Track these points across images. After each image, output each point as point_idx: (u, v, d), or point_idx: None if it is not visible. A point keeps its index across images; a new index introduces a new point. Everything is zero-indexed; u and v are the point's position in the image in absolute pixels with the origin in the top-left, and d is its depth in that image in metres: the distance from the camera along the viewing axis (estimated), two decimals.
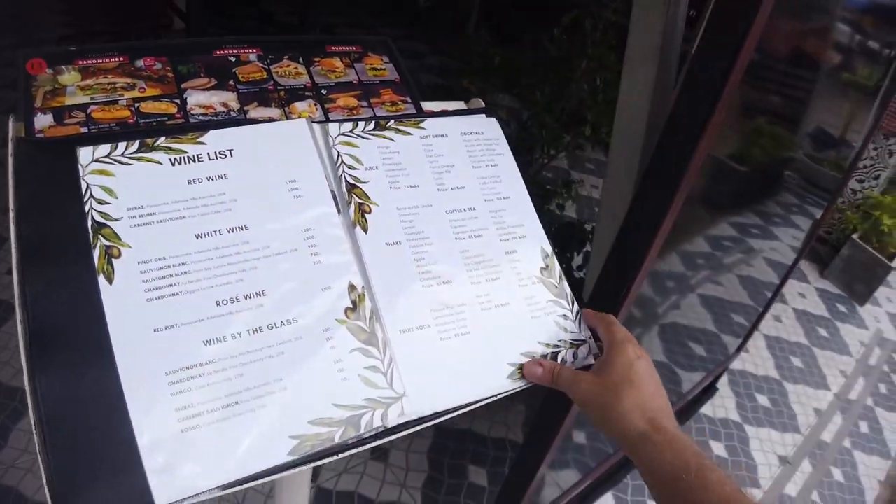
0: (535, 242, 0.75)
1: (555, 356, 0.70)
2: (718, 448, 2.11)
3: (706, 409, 2.23)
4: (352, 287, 0.63)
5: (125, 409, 0.51)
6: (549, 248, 0.76)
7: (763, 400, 2.33)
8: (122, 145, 0.62)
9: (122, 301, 0.55)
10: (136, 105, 0.68)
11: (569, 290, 0.74)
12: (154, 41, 0.71)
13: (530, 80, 2.08)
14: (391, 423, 0.59)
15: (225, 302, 0.58)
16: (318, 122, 0.71)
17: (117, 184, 0.60)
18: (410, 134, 0.74)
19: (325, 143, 0.70)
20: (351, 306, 0.62)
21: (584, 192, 3.07)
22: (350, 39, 0.83)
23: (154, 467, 0.50)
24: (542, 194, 1.98)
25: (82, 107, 0.66)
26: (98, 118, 0.66)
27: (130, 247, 0.57)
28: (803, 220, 2.26)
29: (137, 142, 0.62)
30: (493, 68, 2.08)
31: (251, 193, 0.64)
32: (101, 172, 0.60)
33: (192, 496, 0.51)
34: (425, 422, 0.61)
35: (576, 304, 0.74)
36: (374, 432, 0.58)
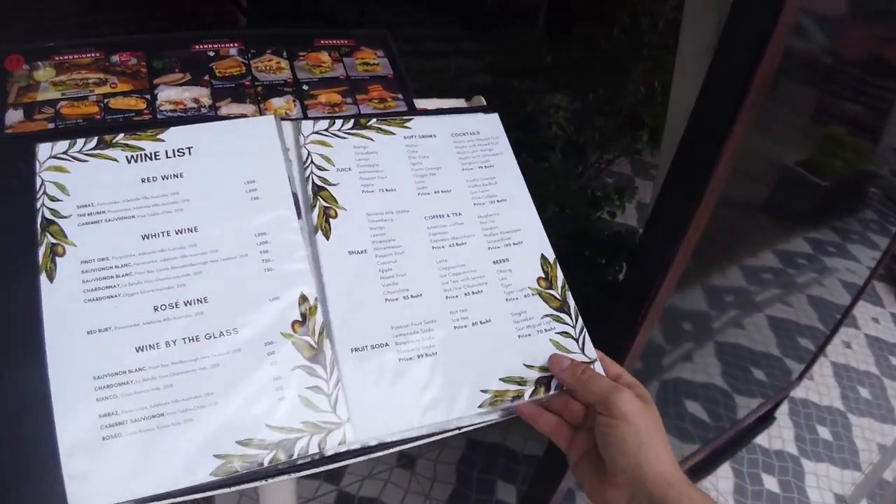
0: (533, 250, 0.68)
1: (545, 381, 0.62)
2: (771, 482, 1.96)
3: (761, 440, 2.08)
4: (303, 298, 0.58)
5: (51, 411, 0.50)
6: (551, 256, 0.68)
7: (824, 432, 2.16)
8: (80, 142, 0.60)
9: (60, 300, 0.53)
10: (106, 101, 0.66)
11: (573, 303, 0.66)
12: (131, 36, 0.69)
13: (583, 81, 2.00)
14: (329, 451, 0.54)
15: (163, 307, 0.55)
16: (292, 120, 0.67)
17: (71, 181, 0.58)
18: (393, 134, 0.69)
19: (295, 142, 0.66)
20: (300, 319, 0.57)
21: (647, 199, 2.95)
22: (343, 33, 0.78)
23: (72, 474, 0.48)
24: (592, 202, 1.89)
25: (52, 102, 0.65)
26: (66, 114, 0.64)
27: (75, 245, 0.56)
28: (881, 239, 2.09)
29: (96, 138, 0.61)
30: (544, 68, 2.01)
31: (206, 194, 0.60)
32: (57, 169, 0.59)
33: None
34: (371, 452, 0.56)
35: (580, 320, 0.66)
36: (308, 459, 0.53)
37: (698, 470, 1.86)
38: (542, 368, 0.62)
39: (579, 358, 0.63)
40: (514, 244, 0.68)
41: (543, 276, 0.67)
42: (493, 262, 0.66)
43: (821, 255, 2.30)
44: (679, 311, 1.50)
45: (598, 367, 0.63)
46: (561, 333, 0.64)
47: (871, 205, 2.25)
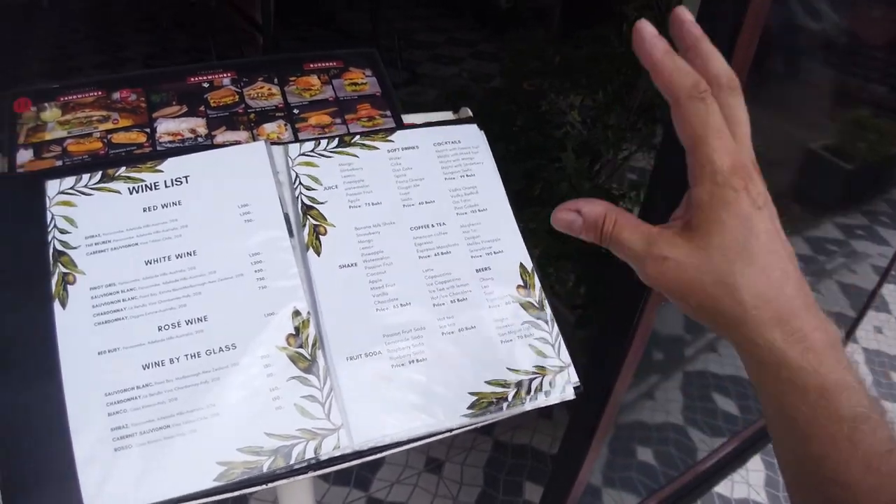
0: (513, 258, 0.71)
1: (527, 384, 0.64)
2: None
3: None
4: (296, 313, 0.62)
5: (67, 426, 0.54)
6: (529, 264, 0.71)
7: None
8: (85, 177, 0.64)
9: (72, 324, 0.58)
10: (109, 136, 0.70)
11: (549, 311, 0.69)
12: (128, 73, 0.73)
13: (592, 79, 2.00)
14: (324, 456, 0.57)
15: (167, 327, 0.59)
16: (281, 144, 0.71)
17: (78, 213, 0.63)
18: (377, 148, 0.72)
19: (284, 165, 0.69)
20: (293, 333, 0.61)
21: None
22: (330, 55, 0.82)
23: (88, 483, 0.52)
24: (608, 199, 1.90)
25: (59, 141, 0.69)
26: (72, 151, 0.69)
27: (85, 273, 0.60)
28: None
29: (100, 173, 0.65)
30: (552, 68, 2.02)
31: (202, 219, 0.64)
32: (66, 203, 0.63)
33: None
34: (365, 455, 0.59)
35: (555, 327, 0.68)
36: (305, 464, 0.57)
37: (728, 462, 1.85)
38: (525, 372, 0.65)
39: (554, 363, 0.66)
40: (494, 253, 0.70)
41: (522, 283, 0.69)
42: (476, 271, 0.69)
43: (850, 238, 2.27)
44: None
45: (571, 374, 0.66)
46: (539, 339, 0.67)
47: None
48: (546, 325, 0.68)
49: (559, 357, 0.67)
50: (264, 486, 0.56)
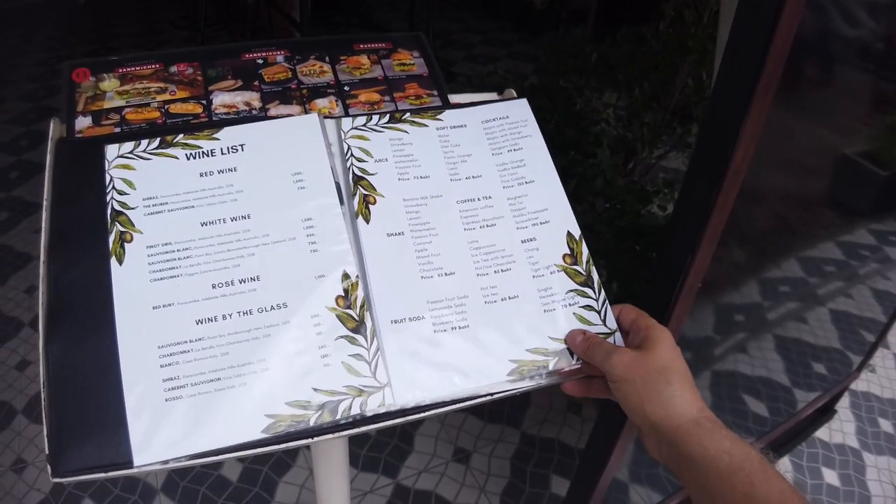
0: (560, 228, 0.71)
1: (570, 353, 0.65)
2: (830, 476, 1.92)
3: (822, 433, 2.04)
4: (345, 276, 0.64)
5: (119, 376, 0.56)
6: (576, 232, 0.71)
7: (886, 425, 2.09)
8: (144, 142, 0.67)
9: (128, 280, 0.60)
10: (166, 107, 0.73)
11: (596, 278, 0.70)
12: (185, 49, 0.76)
13: (629, 77, 2.01)
14: (370, 412, 0.59)
15: (220, 285, 0.61)
16: (334, 118, 0.73)
17: (137, 177, 0.66)
18: (426, 126, 0.74)
19: (337, 137, 0.71)
20: (342, 294, 0.63)
21: None
22: (380, 37, 0.84)
23: (137, 430, 0.55)
24: (642, 196, 1.90)
25: (118, 109, 0.72)
26: (131, 119, 0.72)
27: (142, 232, 0.63)
28: None
29: (158, 139, 0.68)
30: (589, 66, 2.03)
31: (257, 185, 0.67)
32: (124, 167, 0.66)
33: (166, 460, 0.54)
34: (408, 414, 0.61)
35: (602, 294, 0.69)
36: (350, 419, 0.58)
37: None
38: (564, 340, 0.66)
39: (600, 330, 0.66)
40: (541, 223, 0.71)
41: (569, 252, 0.70)
42: (521, 242, 0.70)
43: (883, 245, 2.25)
44: (733, 305, 1.50)
45: (617, 338, 0.66)
46: (584, 307, 0.68)
47: None
48: (593, 292, 0.69)
49: (605, 324, 0.67)
50: (309, 440, 0.57)
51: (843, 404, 2.14)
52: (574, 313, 0.67)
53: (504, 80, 2.09)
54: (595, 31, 4.09)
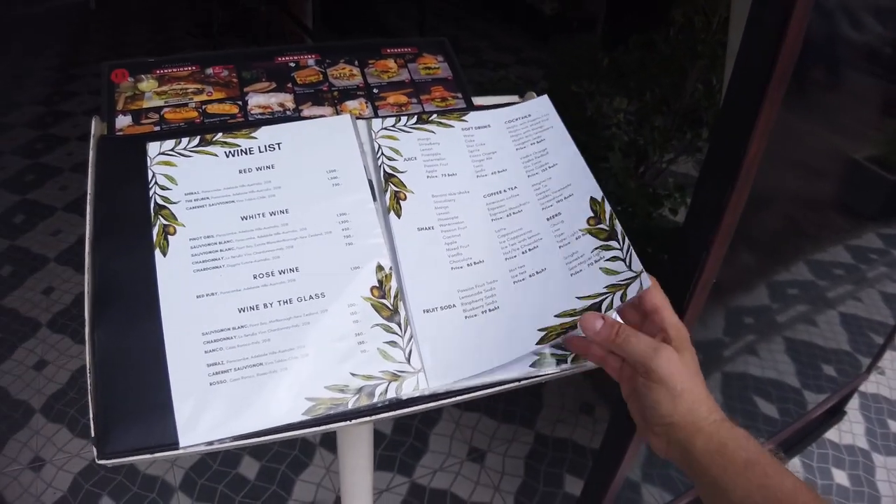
0: (583, 197, 0.73)
1: (598, 306, 0.66)
2: (840, 476, 1.93)
3: (831, 435, 2.05)
4: (379, 267, 0.67)
5: (164, 361, 0.59)
6: (599, 195, 0.72)
7: (895, 427, 2.12)
8: (184, 140, 0.70)
9: (172, 270, 0.63)
10: (203, 107, 0.76)
11: (619, 229, 0.70)
12: (221, 52, 0.79)
13: (639, 82, 2.04)
14: (405, 396, 0.62)
15: (261, 275, 0.64)
16: (364, 118, 0.76)
17: (178, 173, 0.69)
18: (452, 126, 0.77)
19: (368, 137, 0.75)
20: (377, 285, 0.66)
21: None
22: (405, 42, 0.88)
23: (182, 413, 0.57)
24: (653, 199, 1.93)
25: (157, 109, 0.75)
26: (169, 118, 0.75)
27: (184, 226, 0.66)
28: None
29: (198, 137, 0.71)
30: (601, 71, 2.06)
31: (294, 181, 0.70)
32: (166, 163, 0.69)
33: (211, 441, 0.57)
34: (441, 399, 0.63)
35: (626, 240, 0.69)
36: (387, 402, 0.61)
37: None
38: (594, 296, 0.67)
39: (626, 275, 0.66)
40: (565, 199, 0.73)
41: (593, 214, 0.71)
42: (547, 219, 0.73)
43: (892, 248, 2.26)
44: (743, 307, 1.52)
45: (644, 280, 0.65)
46: (610, 259, 0.68)
47: None
48: (617, 242, 0.69)
49: (630, 268, 0.67)
50: (348, 423, 0.60)
51: (853, 406, 2.16)
52: (600, 268, 0.68)
53: (516, 85, 2.12)
54: (604, 36, 4.13)
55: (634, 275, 0.66)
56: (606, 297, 0.66)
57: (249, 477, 1.80)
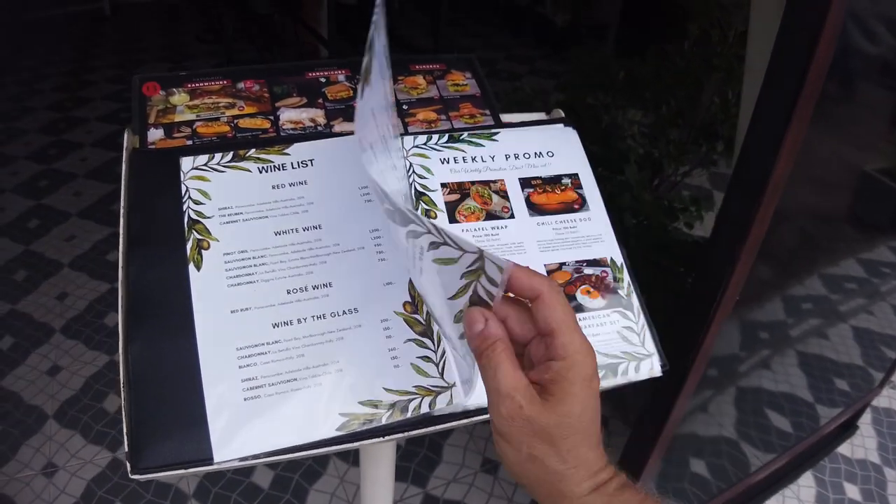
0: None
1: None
2: (852, 491, 1.93)
3: (844, 449, 2.05)
4: (412, 283, 0.67)
5: (199, 376, 0.59)
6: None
7: None
8: (217, 155, 0.71)
9: (206, 285, 0.64)
10: (235, 121, 0.77)
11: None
12: (252, 66, 0.80)
13: (657, 95, 2.04)
14: (437, 412, 0.62)
15: (295, 291, 0.65)
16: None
17: (212, 188, 0.69)
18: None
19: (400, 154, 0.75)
20: (410, 300, 0.66)
21: None
22: (434, 58, 0.88)
23: (217, 428, 0.57)
24: (668, 212, 1.93)
25: (189, 123, 0.76)
26: (202, 132, 0.76)
27: (218, 240, 0.66)
28: None
29: (231, 153, 0.71)
30: (618, 84, 2.07)
31: (327, 197, 0.70)
32: (199, 178, 0.69)
33: (245, 457, 0.57)
34: (472, 416, 0.64)
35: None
36: (420, 418, 0.61)
37: (780, 478, 1.86)
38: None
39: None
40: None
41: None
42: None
43: None
44: (757, 322, 1.52)
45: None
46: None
47: None
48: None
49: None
50: (381, 440, 0.61)
51: (865, 420, 2.16)
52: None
53: (531, 97, 2.13)
54: (617, 47, 4.14)
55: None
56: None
57: (263, 486, 1.80)
